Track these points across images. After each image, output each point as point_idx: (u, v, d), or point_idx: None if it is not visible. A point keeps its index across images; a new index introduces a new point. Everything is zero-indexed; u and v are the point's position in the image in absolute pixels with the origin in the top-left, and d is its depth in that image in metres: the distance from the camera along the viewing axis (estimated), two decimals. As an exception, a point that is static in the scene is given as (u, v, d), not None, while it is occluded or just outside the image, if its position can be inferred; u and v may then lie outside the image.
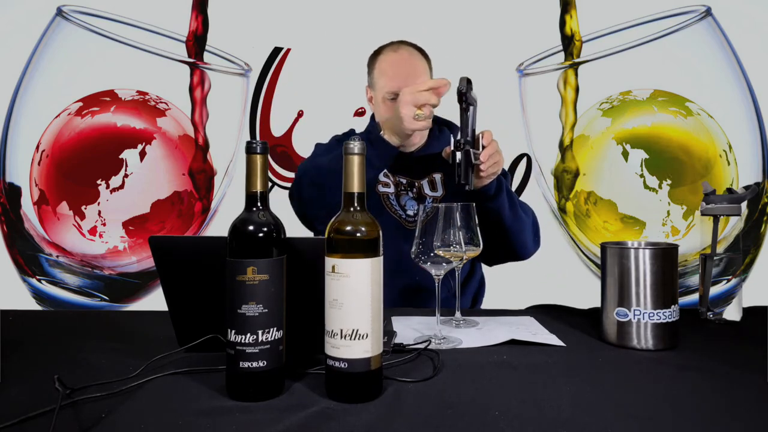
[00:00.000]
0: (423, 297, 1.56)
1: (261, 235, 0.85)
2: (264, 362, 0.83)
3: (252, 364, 0.83)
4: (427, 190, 1.65)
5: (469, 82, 1.34)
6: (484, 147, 1.40)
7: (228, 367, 0.85)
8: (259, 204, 0.87)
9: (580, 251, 2.73)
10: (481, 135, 1.41)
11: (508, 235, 1.55)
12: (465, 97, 1.33)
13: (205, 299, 1.05)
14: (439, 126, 1.74)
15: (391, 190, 1.66)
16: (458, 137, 1.36)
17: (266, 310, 0.83)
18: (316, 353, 0.91)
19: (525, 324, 1.25)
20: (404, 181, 1.66)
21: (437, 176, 1.67)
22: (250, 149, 0.87)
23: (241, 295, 0.83)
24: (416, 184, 1.65)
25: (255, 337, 0.83)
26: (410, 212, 1.63)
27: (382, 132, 1.48)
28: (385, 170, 1.65)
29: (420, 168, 1.67)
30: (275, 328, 0.85)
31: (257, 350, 0.83)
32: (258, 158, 0.87)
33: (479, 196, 1.46)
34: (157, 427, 0.76)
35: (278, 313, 0.86)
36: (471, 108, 1.35)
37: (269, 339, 0.84)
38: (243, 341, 0.82)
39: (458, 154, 1.33)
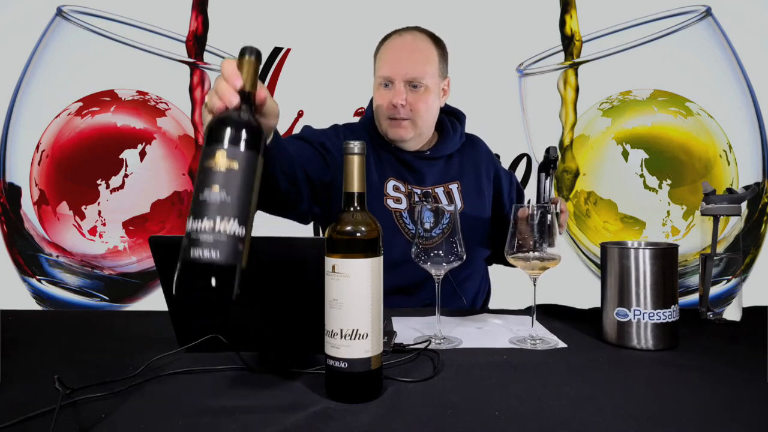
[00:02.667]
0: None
1: (235, 121, 0.79)
2: (217, 253, 0.73)
3: (204, 253, 0.73)
4: (444, 202, 1.54)
5: (558, 151, 1.33)
6: (561, 211, 1.38)
7: (180, 259, 0.75)
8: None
9: (580, 251, 2.73)
10: (557, 200, 1.39)
11: None
12: (554, 165, 1.30)
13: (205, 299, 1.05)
14: (450, 118, 1.63)
15: (403, 206, 1.53)
16: (544, 200, 1.32)
17: (228, 199, 0.74)
18: (316, 353, 0.92)
19: (526, 324, 1.25)
20: (418, 191, 1.56)
21: (454, 186, 1.58)
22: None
23: (205, 180, 0.74)
24: (431, 191, 1.56)
25: (211, 224, 0.73)
26: (427, 226, 1.35)
27: None
28: (395, 181, 1.55)
29: (434, 173, 1.55)
30: (236, 221, 0.74)
31: (211, 239, 0.73)
32: None
33: None
34: (157, 427, 0.76)
35: (242, 206, 0.75)
36: (553, 173, 1.33)
37: (227, 231, 0.74)
38: (198, 229, 0.73)
39: (548, 216, 1.27)
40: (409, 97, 1.48)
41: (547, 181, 1.32)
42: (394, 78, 1.48)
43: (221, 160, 0.75)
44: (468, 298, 1.61)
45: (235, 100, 0.84)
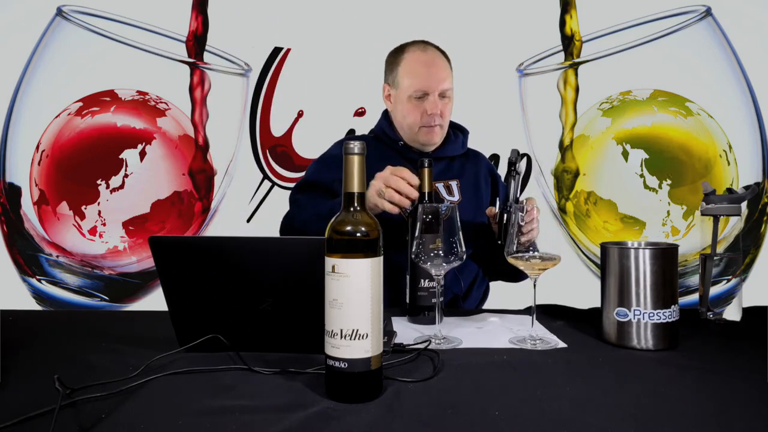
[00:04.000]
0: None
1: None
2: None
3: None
4: (444, 194, 1.64)
5: (519, 155, 1.37)
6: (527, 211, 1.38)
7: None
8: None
9: (580, 251, 2.73)
10: (525, 201, 1.39)
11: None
12: (514, 167, 1.36)
13: (206, 299, 1.05)
14: (454, 130, 1.75)
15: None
16: (508, 201, 1.35)
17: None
18: (316, 353, 0.92)
19: (525, 324, 1.25)
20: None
21: (453, 183, 1.67)
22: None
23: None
24: (434, 186, 1.62)
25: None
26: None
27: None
28: None
29: (436, 171, 1.63)
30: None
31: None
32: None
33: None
34: (157, 427, 0.76)
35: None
36: (518, 177, 1.36)
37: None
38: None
39: (512, 218, 1.30)
40: (440, 106, 1.61)
41: (513, 184, 1.35)
42: (430, 91, 1.59)
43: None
44: (464, 285, 1.63)
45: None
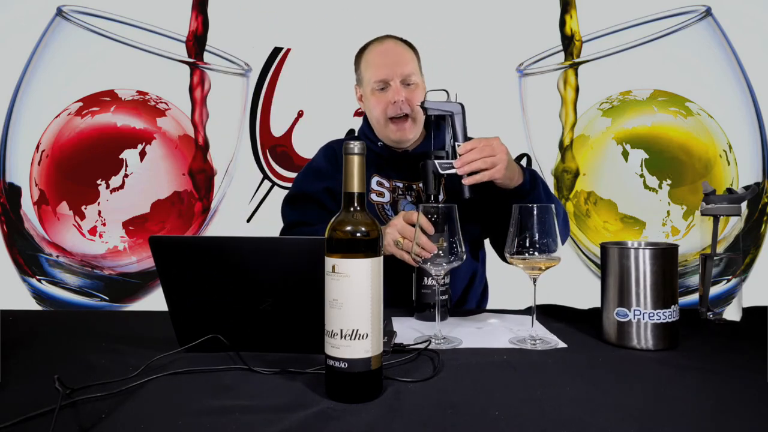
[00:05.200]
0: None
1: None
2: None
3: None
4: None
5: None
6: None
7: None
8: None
9: (580, 251, 2.73)
10: (457, 146, 1.39)
11: None
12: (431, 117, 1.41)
13: (206, 299, 1.05)
14: (437, 121, 1.66)
15: (386, 199, 1.61)
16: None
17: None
18: (316, 353, 0.92)
19: (525, 324, 1.25)
20: (401, 185, 1.63)
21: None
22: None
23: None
24: (414, 186, 1.63)
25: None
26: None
27: None
28: (378, 177, 1.62)
29: (417, 168, 1.63)
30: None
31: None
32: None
33: (517, 194, 1.43)
34: (157, 427, 0.76)
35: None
36: (440, 123, 1.38)
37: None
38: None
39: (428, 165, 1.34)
40: (405, 94, 1.56)
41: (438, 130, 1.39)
42: (390, 78, 1.56)
43: None
44: (459, 287, 1.62)
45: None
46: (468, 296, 1.66)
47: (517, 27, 2.67)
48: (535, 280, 1.14)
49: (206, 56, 2.72)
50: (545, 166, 2.73)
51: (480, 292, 1.72)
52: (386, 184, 1.63)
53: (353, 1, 2.70)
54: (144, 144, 2.70)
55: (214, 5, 2.71)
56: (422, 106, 1.44)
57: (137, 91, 2.70)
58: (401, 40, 1.65)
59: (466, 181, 1.36)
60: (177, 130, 2.72)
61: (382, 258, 0.86)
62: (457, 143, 1.41)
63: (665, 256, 1.08)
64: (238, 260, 1.03)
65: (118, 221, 2.68)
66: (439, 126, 1.50)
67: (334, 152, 1.70)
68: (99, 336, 1.17)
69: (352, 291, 0.82)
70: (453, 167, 1.36)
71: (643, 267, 1.07)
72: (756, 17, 2.63)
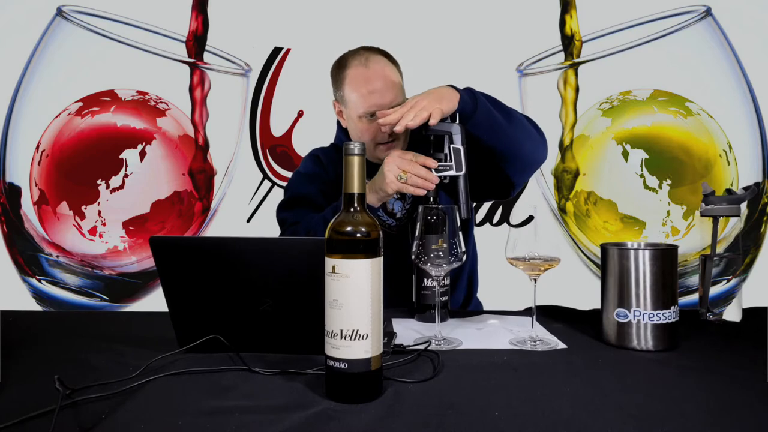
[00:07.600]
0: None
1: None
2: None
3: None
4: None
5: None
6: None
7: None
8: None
9: (580, 251, 2.73)
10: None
11: (515, 146, 1.43)
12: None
13: (206, 299, 1.05)
14: (436, 139, 1.67)
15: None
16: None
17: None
18: (316, 353, 0.92)
19: (525, 325, 1.25)
20: None
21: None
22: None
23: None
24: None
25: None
26: (398, 215, 1.55)
27: None
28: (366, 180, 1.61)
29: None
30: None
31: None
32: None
33: (463, 121, 1.40)
34: (157, 427, 0.76)
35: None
36: (440, 141, 1.37)
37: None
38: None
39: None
40: None
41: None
42: (380, 108, 1.49)
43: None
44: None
45: None
46: (456, 286, 1.62)
47: (517, 27, 2.67)
48: (535, 281, 1.14)
49: (206, 56, 2.72)
50: (545, 166, 2.73)
51: (465, 288, 1.67)
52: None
53: (353, 1, 2.70)
54: (144, 144, 2.70)
55: (214, 5, 2.71)
56: (424, 132, 1.38)
57: (137, 91, 2.70)
58: (383, 53, 1.58)
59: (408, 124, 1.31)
60: (177, 130, 2.72)
61: (381, 258, 0.86)
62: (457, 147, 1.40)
63: (665, 257, 1.08)
64: (238, 261, 1.03)
65: (118, 221, 2.68)
66: (438, 142, 1.43)
67: (319, 158, 1.69)
68: (99, 336, 1.17)
69: (352, 291, 0.82)
70: (451, 169, 1.36)
71: (642, 268, 1.07)
72: (756, 17, 2.63)
